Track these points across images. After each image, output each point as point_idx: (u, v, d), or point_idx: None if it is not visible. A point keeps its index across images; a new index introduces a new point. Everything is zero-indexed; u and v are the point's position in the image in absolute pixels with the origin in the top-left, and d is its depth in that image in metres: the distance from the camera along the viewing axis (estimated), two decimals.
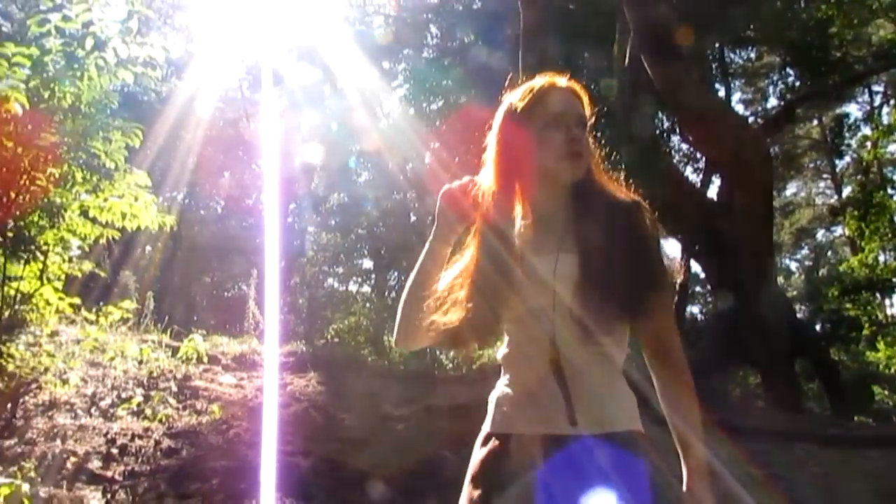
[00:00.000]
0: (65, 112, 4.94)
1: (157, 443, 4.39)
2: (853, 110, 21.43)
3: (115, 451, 4.18)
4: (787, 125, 18.12)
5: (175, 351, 6.42)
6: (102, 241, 5.49)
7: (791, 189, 26.57)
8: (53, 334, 5.45)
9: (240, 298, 14.81)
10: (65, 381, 4.95)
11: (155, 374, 5.70)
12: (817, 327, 18.40)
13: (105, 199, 5.08)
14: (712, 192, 15.63)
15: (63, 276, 5.38)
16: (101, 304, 6.28)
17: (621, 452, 1.37)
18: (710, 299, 23.73)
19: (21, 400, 4.62)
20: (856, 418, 12.14)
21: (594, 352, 1.42)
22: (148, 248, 13.38)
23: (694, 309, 24.86)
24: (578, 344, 1.41)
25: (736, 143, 10.05)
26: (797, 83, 17.18)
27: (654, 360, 1.49)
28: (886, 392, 16.50)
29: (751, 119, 18.44)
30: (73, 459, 3.95)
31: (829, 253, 27.63)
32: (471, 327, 1.49)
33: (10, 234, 4.93)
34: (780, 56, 17.24)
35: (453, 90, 15.22)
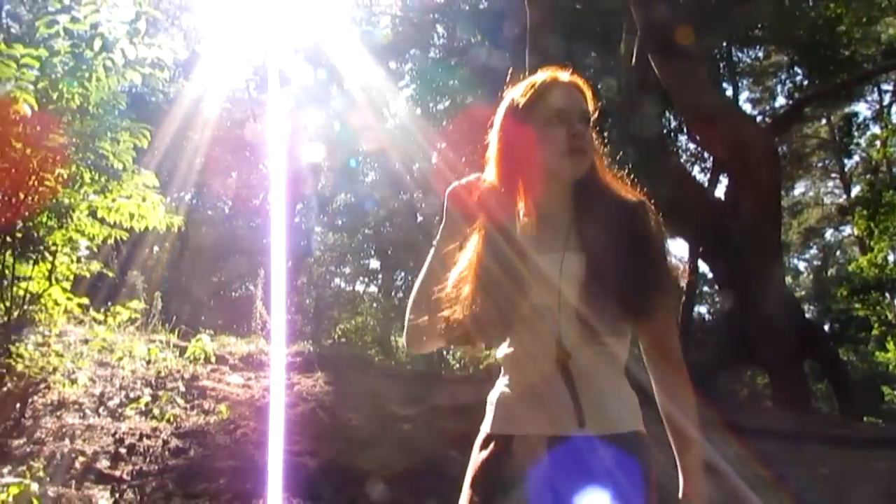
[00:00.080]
0: (73, 113, 4.97)
1: (165, 442, 4.40)
2: (862, 109, 21.32)
3: (123, 450, 4.19)
4: (795, 124, 18.07)
5: (183, 351, 6.43)
6: (110, 241, 5.51)
7: (799, 188, 26.45)
8: (62, 334, 5.48)
9: (247, 298, 14.86)
10: (73, 381, 4.98)
11: (163, 374, 5.72)
12: (826, 327, 18.34)
13: (113, 200, 5.10)
14: (720, 192, 15.61)
15: (71, 277, 5.41)
16: (110, 304, 6.32)
17: (627, 453, 1.36)
18: (717, 299, 23.67)
19: (30, 400, 4.64)
20: (865, 419, 12.07)
21: (599, 351, 1.41)
22: (156, 248, 13.41)
23: (701, 309, 24.76)
24: (584, 343, 1.40)
25: (743, 142, 10.02)
26: (805, 82, 17.12)
27: (653, 359, 1.48)
28: None
29: (758, 118, 18.35)
30: (81, 459, 3.96)
31: (838, 252, 27.46)
32: (478, 327, 1.46)
33: (18, 235, 4.96)
34: (787, 55, 17.17)
35: (460, 90, 15.23)
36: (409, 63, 18.15)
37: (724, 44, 16.66)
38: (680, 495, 1.43)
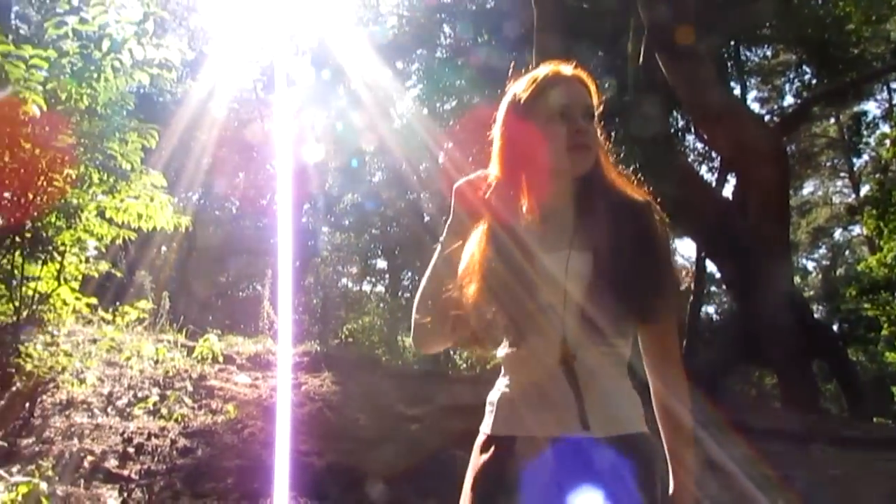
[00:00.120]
0: (81, 113, 4.99)
1: (173, 442, 4.42)
2: (871, 108, 21.19)
3: (131, 449, 4.21)
4: (804, 123, 17.98)
5: (190, 351, 6.45)
6: (118, 241, 5.54)
7: (808, 188, 26.35)
8: (70, 334, 5.51)
9: (254, 298, 14.90)
10: (82, 381, 5.00)
11: (171, 374, 5.74)
12: (835, 327, 18.25)
13: (121, 200, 5.13)
14: (727, 192, 15.57)
15: (80, 277, 5.44)
16: (118, 304, 6.35)
17: (633, 455, 1.34)
18: (725, 299, 23.61)
19: (39, 399, 4.66)
20: (874, 420, 12.01)
21: (605, 352, 1.39)
22: (163, 248, 13.47)
23: (709, 309, 24.72)
24: (589, 344, 1.38)
25: (750, 141, 9.98)
26: (814, 81, 17.03)
27: (652, 358, 1.46)
28: None
29: (767, 117, 18.28)
30: (89, 458, 3.98)
31: (847, 252, 27.32)
32: (485, 328, 1.45)
33: (27, 235, 4.98)
34: (796, 53, 17.09)
35: (466, 90, 15.23)
36: (415, 63, 18.18)
37: (732, 42, 16.60)
38: (670, 492, 1.41)
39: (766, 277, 9.87)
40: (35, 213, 4.89)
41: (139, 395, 5.21)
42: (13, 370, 4.55)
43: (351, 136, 16.90)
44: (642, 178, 1.56)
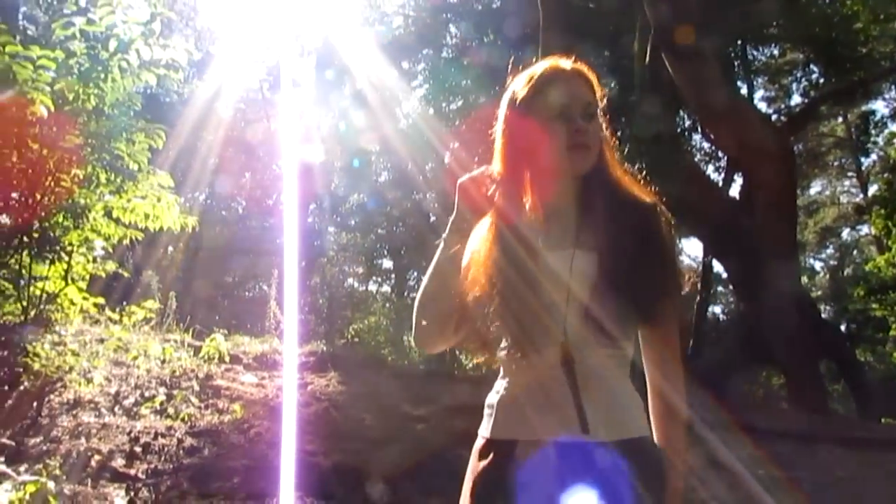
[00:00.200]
0: (89, 114, 5.01)
1: (180, 441, 4.43)
2: (879, 107, 21.03)
3: (138, 449, 4.22)
4: (811, 122, 17.90)
5: (197, 350, 6.47)
6: (125, 241, 5.56)
7: (815, 187, 26.22)
8: (78, 333, 5.53)
9: (261, 298, 14.95)
10: (89, 380, 5.02)
11: (177, 374, 5.75)
12: (843, 328, 18.16)
13: (128, 200, 5.15)
14: (734, 191, 15.50)
15: (87, 276, 5.46)
16: (125, 303, 6.38)
17: (637, 460, 1.31)
18: (731, 299, 23.53)
19: (46, 398, 4.68)
20: (882, 420, 11.95)
21: (608, 354, 1.37)
22: (170, 248, 13.51)
23: (716, 309, 24.65)
24: (593, 345, 1.35)
25: (758, 141, 9.94)
26: (821, 80, 16.93)
27: (652, 358, 1.44)
28: None
29: (774, 116, 18.19)
30: (97, 457, 3.99)
31: (855, 252, 27.21)
32: (487, 324, 1.41)
33: (35, 235, 5.01)
34: (803, 52, 16.99)
35: (472, 90, 15.22)
36: (421, 63, 18.18)
37: (739, 42, 16.53)
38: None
39: (773, 277, 9.83)
40: (43, 213, 4.92)
41: (146, 394, 5.23)
42: (21, 369, 4.57)
43: (357, 136, 16.91)
44: (648, 178, 1.54)
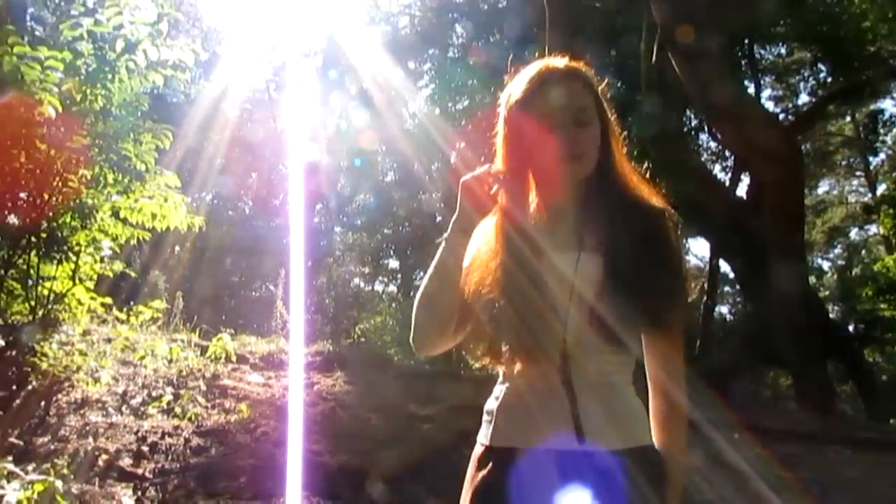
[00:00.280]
0: (96, 114, 5.03)
1: (187, 441, 4.44)
2: (888, 106, 20.99)
3: (145, 448, 4.24)
4: (819, 122, 17.82)
5: (204, 350, 6.49)
6: (133, 241, 5.58)
7: (823, 187, 26.11)
8: (85, 333, 5.55)
9: (267, 298, 14.97)
10: (96, 380, 5.04)
11: (184, 373, 5.77)
12: (851, 328, 18.04)
13: (136, 200, 5.16)
14: (741, 191, 15.45)
15: (95, 276, 5.48)
16: (132, 303, 6.40)
17: (639, 469, 1.29)
18: (739, 299, 23.44)
19: (54, 398, 4.71)
20: (890, 421, 11.88)
21: (610, 359, 1.35)
22: (177, 248, 13.54)
23: (723, 309, 24.55)
24: (595, 349, 1.33)
25: (766, 140, 9.89)
26: (829, 79, 16.86)
27: (656, 363, 1.41)
28: None
29: (781, 116, 18.11)
30: (104, 457, 4.01)
31: (863, 252, 27.04)
32: (501, 337, 1.38)
33: (43, 235, 5.03)
34: (811, 51, 16.91)
35: (478, 90, 15.20)
36: (427, 63, 18.19)
37: (746, 41, 16.46)
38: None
39: (780, 277, 9.79)
40: (50, 214, 4.94)
41: (153, 394, 5.25)
42: (29, 369, 4.59)
43: (362, 136, 16.94)
44: (655, 178, 1.52)
